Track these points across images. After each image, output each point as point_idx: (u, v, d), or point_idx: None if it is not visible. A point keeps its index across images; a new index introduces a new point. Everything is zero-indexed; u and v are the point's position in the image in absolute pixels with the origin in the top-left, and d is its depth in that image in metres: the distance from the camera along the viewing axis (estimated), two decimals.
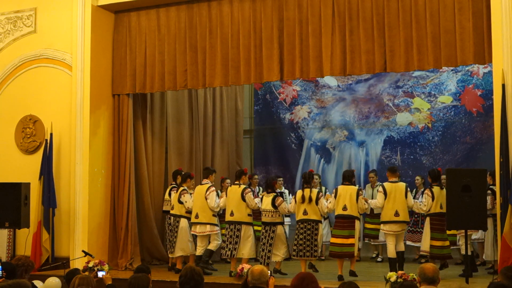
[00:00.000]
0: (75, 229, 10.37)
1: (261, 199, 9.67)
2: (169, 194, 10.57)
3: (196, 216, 9.92)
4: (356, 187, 9.40)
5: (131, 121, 10.93)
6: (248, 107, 13.99)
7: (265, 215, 9.51)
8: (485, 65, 10.76)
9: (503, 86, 8.23)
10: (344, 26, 9.38)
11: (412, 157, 12.56)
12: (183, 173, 10.62)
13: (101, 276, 7.20)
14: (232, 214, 9.64)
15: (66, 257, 10.09)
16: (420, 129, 12.54)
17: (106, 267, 8.67)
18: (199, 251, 9.98)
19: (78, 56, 10.57)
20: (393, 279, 7.89)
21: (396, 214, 9.16)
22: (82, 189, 10.40)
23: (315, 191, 9.34)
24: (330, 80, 13.16)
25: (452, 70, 12.01)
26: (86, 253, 9.37)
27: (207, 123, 12.72)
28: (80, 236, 10.32)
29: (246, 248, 9.56)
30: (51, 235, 10.34)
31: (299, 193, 9.39)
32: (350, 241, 9.12)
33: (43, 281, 8.45)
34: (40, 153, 10.65)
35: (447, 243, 9.31)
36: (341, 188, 9.36)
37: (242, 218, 9.62)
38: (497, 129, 8.29)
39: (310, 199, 9.19)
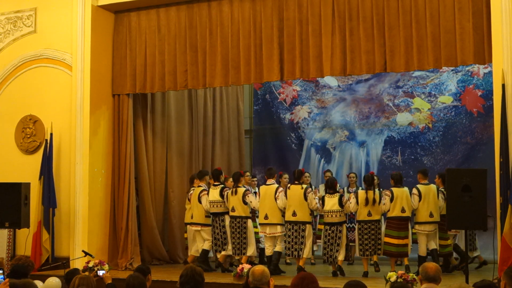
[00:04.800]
0: (75, 229, 10.36)
1: (322, 200, 9.71)
2: (221, 195, 10.11)
3: (266, 217, 9.82)
4: (407, 189, 9.68)
5: (131, 121, 10.93)
6: (248, 107, 13.99)
7: (331, 215, 9.59)
8: (486, 65, 10.75)
9: (503, 86, 8.22)
10: (344, 26, 9.38)
11: (413, 157, 12.55)
12: (221, 172, 10.50)
13: (101, 275, 7.20)
14: (294, 214, 9.62)
15: (66, 257, 10.09)
16: (420, 129, 12.54)
17: (106, 267, 8.66)
18: (270, 251, 9.89)
19: (78, 56, 10.56)
20: (393, 279, 7.88)
21: (431, 215, 9.60)
22: (82, 189, 10.39)
23: (377, 192, 9.60)
24: (330, 80, 13.16)
25: (452, 70, 12.01)
26: (86, 253, 9.37)
27: (207, 123, 12.72)
28: (80, 236, 10.31)
29: (308, 248, 9.67)
30: (51, 235, 10.33)
31: (362, 194, 9.58)
32: (405, 241, 9.54)
33: (43, 281, 8.46)
34: (40, 153, 10.65)
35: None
36: (396, 190, 9.58)
37: (305, 217, 9.65)
38: (497, 129, 8.29)
39: (374, 201, 9.47)
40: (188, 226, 10.58)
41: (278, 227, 9.83)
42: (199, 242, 10.36)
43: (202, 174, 10.66)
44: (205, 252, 10.27)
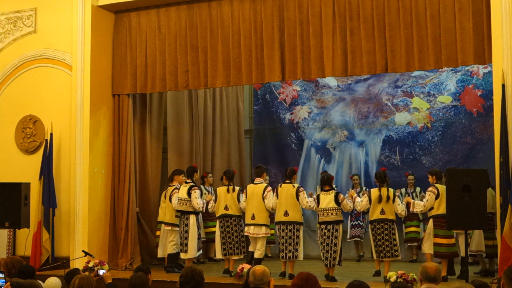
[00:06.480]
0: (75, 229, 10.36)
1: (317, 198, 9.43)
2: (188, 193, 9.99)
3: (253, 217, 9.57)
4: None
5: (131, 121, 10.93)
6: (248, 107, 14.00)
7: (326, 213, 9.27)
8: (485, 65, 10.76)
9: (503, 86, 8.24)
10: (345, 27, 9.38)
11: (411, 157, 12.55)
12: (195, 170, 10.36)
13: (101, 275, 7.20)
14: (286, 214, 9.38)
15: (66, 257, 10.10)
16: (419, 128, 12.53)
17: (106, 267, 8.66)
18: (260, 253, 9.69)
19: (78, 56, 10.56)
20: (393, 279, 7.90)
21: None
22: (82, 189, 10.39)
23: (391, 190, 9.31)
24: (330, 80, 13.15)
25: (451, 70, 12.00)
26: (86, 253, 9.37)
27: (207, 123, 12.71)
28: (80, 236, 10.31)
29: (301, 250, 9.43)
30: (51, 235, 10.33)
31: (375, 192, 9.28)
32: (453, 240, 9.29)
33: (43, 281, 8.44)
34: (40, 153, 10.65)
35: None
36: (440, 187, 9.30)
37: (298, 218, 9.45)
38: (497, 129, 8.30)
39: (388, 198, 9.18)
40: (162, 225, 10.57)
41: (263, 227, 9.61)
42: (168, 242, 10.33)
43: (173, 173, 10.60)
44: (172, 256, 10.20)
